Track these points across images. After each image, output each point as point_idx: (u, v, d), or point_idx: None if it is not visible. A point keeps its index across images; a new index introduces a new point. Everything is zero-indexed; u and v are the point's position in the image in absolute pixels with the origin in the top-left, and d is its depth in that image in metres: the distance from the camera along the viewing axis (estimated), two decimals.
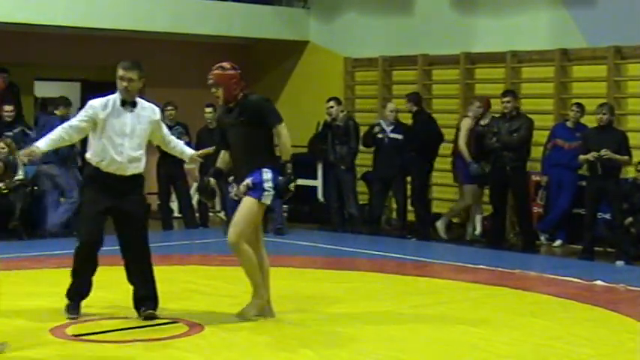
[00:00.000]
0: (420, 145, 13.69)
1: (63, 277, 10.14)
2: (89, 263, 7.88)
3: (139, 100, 7.88)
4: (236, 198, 7.73)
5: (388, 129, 13.91)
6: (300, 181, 15.12)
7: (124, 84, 7.73)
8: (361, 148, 14.34)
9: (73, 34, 15.18)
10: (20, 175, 13.45)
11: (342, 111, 14.42)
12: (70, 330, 7.54)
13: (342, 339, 7.44)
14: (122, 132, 7.70)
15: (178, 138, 14.06)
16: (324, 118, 14.52)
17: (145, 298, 7.93)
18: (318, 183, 15.27)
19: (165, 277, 9.31)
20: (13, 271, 10.34)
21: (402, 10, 15.72)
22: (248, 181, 7.58)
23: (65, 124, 7.79)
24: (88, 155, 7.81)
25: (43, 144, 7.57)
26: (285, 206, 14.55)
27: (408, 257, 11.94)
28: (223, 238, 13.18)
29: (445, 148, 14.51)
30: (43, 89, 17.35)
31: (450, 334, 7.69)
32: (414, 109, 13.85)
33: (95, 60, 15.90)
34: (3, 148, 13.32)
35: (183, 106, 15.03)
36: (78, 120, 7.74)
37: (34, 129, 14.58)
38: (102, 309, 8.26)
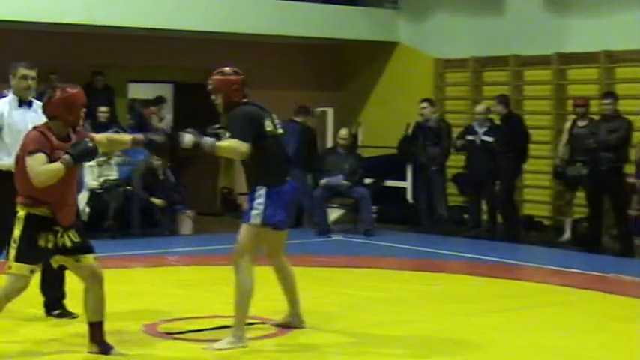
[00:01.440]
0: (511, 147, 13.55)
1: (153, 276, 10.33)
2: None
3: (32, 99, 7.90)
4: None
5: (480, 131, 13.79)
6: (390, 183, 15.27)
7: (30, 82, 7.80)
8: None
9: (165, 36, 15.37)
10: (114, 175, 13.70)
11: (435, 112, 14.37)
12: (162, 328, 7.63)
13: (429, 342, 7.41)
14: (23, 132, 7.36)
15: None
16: (414, 120, 14.48)
17: None
18: (407, 184, 15.22)
19: (257, 277, 9.39)
20: (105, 269, 10.50)
21: (493, 10, 15.59)
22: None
23: None
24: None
25: None
26: (374, 207, 14.54)
27: (497, 260, 11.82)
28: (309, 239, 13.38)
29: (538, 150, 14.34)
30: (137, 91, 17.61)
31: (541, 337, 7.60)
32: (504, 111, 13.71)
33: (187, 62, 16.08)
34: None
35: (273, 108, 15.07)
36: None
37: (128, 130, 14.82)
38: (191, 307, 8.34)
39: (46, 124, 6.49)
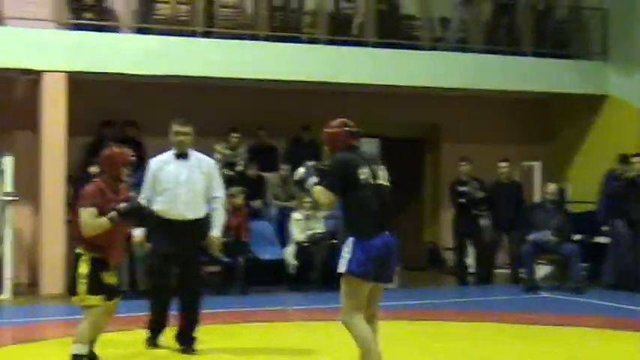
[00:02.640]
0: None
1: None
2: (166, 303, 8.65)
3: (192, 152, 8.67)
4: None
5: None
6: (600, 239, 14.82)
7: (181, 138, 8.53)
8: None
9: (372, 91, 15.55)
10: (321, 228, 13.87)
11: None
12: None
13: None
14: (177, 181, 8.47)
15: (472, 193, 14.29)
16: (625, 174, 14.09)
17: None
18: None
19: (463, 333, 9.32)
20: (310, 322, 10.63)
21: None
22: None
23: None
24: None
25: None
26: (583, 264, 14.16)
27: None
28: (516, 296, 13.17)
29: None
30: None
31: None
32: None
33: (394, 117, 16.20)
34: None
35: (480, 162, 15.03)
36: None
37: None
38: None
39: (102, 177, 7.47)
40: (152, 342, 8.68)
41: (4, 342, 9.16)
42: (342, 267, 6.84)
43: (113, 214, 7.23)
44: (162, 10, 14.19)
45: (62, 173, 12.81)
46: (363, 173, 6.82)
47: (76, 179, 13.56)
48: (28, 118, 13.57)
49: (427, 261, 16.80)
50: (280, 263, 13.74)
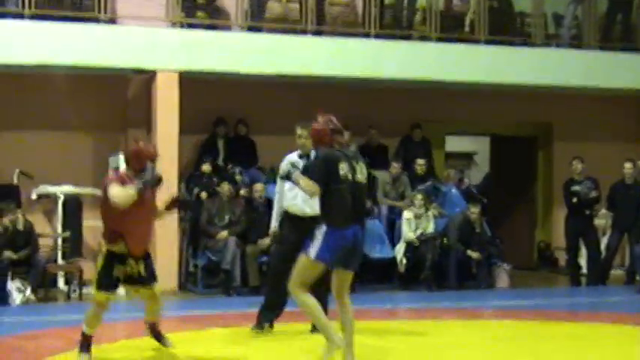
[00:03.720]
0: None
1: (469, 329, 10.28)
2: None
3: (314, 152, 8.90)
4: None
5: None
6: None
7: (303, 140, 9.00)
8: None
9: (482, 90, 15.39)
10: (431, 227, 13.81)
11: None
12: None
13: None
14: None
15: (585, 193, 14.02)
16: None
17: None
18: None
19: (574, 334, 9.17)
20: (420, 321, 10.59)
21: None
22: None
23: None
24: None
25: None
26: None
27: None
28: (626, 297, 12.90)
29: None
30: (453, 144, 17.73)
31: None
32: None
33: (506, 115, 16.01)
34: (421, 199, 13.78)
35: (595, 161, 14.78)
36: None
37: (445, 183, 14.92)
38: None
39: (126, 170, 7.93)
40: (263, 324, 9.14)
41: (119, 336, 9.35)
42: (312, 252, 7.26)
43: (137, 184, 7.58)
44: (273, 8, 14.28)
45: (175, 171, 12.97)
46: (343, 169, 7.28)
47: (189, 177, 13.76)
48: (142, 117, 13.81)
49: (538, 261, 16.58)
50: (390, 262, 13.71)
